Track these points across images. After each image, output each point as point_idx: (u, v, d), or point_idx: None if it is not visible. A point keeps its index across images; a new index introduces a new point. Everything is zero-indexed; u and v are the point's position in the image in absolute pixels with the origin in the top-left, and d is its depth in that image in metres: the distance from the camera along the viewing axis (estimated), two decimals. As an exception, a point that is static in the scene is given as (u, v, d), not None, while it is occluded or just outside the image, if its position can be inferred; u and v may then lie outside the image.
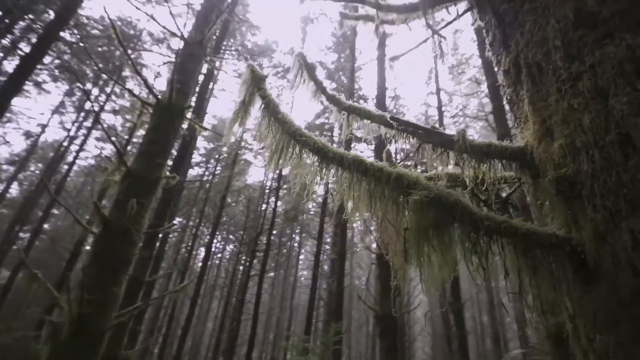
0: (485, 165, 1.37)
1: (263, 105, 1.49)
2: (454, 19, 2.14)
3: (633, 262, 0.86)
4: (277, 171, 19.38)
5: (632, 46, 1.03)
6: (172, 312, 19.69)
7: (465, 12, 2.06)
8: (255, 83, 1.59)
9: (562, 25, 1.25)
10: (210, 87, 14.61)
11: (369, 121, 1.68)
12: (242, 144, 20.24)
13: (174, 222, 18.11)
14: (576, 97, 1.11)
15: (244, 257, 23.82)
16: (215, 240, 25.16)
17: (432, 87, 17.65)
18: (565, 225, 1.07)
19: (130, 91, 5.46)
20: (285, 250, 28.78)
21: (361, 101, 1.81)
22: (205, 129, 6.31)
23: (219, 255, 32.06)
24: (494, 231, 1.06)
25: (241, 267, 23.97)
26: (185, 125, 7.13)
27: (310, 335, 15.01)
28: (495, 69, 1.70)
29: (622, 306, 0.87)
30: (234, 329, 18.30)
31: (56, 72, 16.57)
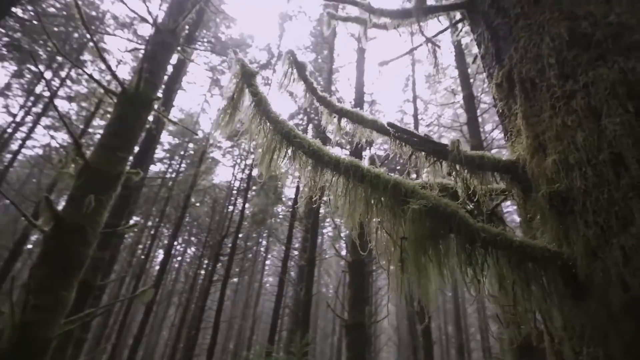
0: (477, 176, 1.42)
1: (254, 103, 1.46)
2: (445, 29, 2.22)
3: (623, 278, 0.92)
4: (247, 172, 19.10)
5: (624, 69, 1.11)
6: (124, 319, 18.73)
7: (456, 22, 2.14)
8: (246, 79, 1.56)
9: (556, 43, 1.32)
10: (179, 79, 14.18)
11: (361, 126, 1.69)
12: (211, 141, 19.78)
13: (132, 221, 17.32)
14: (570, 114, 1.18)
15: (206, 261, 23.21)
16: (175, 242, 24.31)
17: (409, 95, 18.18)
18: (557, 240, 1.13)
19: (92, 77, 5.18)
20: (250, 255, 28.35)
21: (338, 104, 1.83)
22: (175, 123, 6.11)
23: (179, 258, 31.04)
24: (489, 243, 1.10)
25: (203, 272, 23.32)
26: (151, 118, 6.88)
27: (274, 344, 14.84)
28: (487, 82, 1.77)
29: (612, 321, 0.93)
30: (192, 337, 17.72)
31: (4, 50, 15.44)
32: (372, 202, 1.19)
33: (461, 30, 2.62)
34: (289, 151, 1.33)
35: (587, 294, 1.01)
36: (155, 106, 5.62)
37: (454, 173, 1.43)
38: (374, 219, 1.19)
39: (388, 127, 1.42)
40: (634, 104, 1.05)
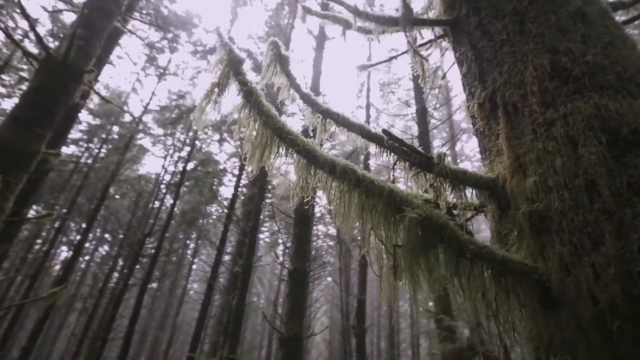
0: (458, 190, 1.56)
1: (243, 94, 1.45)
2: (427, 42, 2.39)
3: (593, 293, 1.09)
4: (181, 165, 18.24)
5: (598, 105, 1.32)
6: (10, 327, 16.65)
7: (439, 37, 2.32)
8: (233, 66, 1.54)
9: (539, 73, 1.52)
10: (111, 51, 13.14)
11: (346, 129, 1.76)
12: (140, 126, 18.58)
13: (32, 211, 15.56)
14: (550, 140, 1.36)
15: (121, 262, 21.63)
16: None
17: (362, 101, 18.81)
18: (533, 255, 1.29)
19: (10, 36, 4.63)
20: (175, 258, 27.00)
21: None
22: (108, 102, 5.67)
23: (87, 257, 28.53)
24: (476, 255, 1.22)
25: (116, 274, 21.69)
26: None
27: (196, 357, 14.26)
28: (467, 101, 1.95)
29: (581, 331, 1.09)
30: (96, 350, 16.35)
31: None
32: (367, 208, 1.26)
33: (431, 46, 2.83)
34: (281, 149, 1.35)
35: (558, 306, 1.17)
36: (88, 79, 5.19)
37: (438, 185, 1.55)
38: (368, 225, 1.25)
39: (382, 134, 1.51)
40: (607, 138, 1.25)
